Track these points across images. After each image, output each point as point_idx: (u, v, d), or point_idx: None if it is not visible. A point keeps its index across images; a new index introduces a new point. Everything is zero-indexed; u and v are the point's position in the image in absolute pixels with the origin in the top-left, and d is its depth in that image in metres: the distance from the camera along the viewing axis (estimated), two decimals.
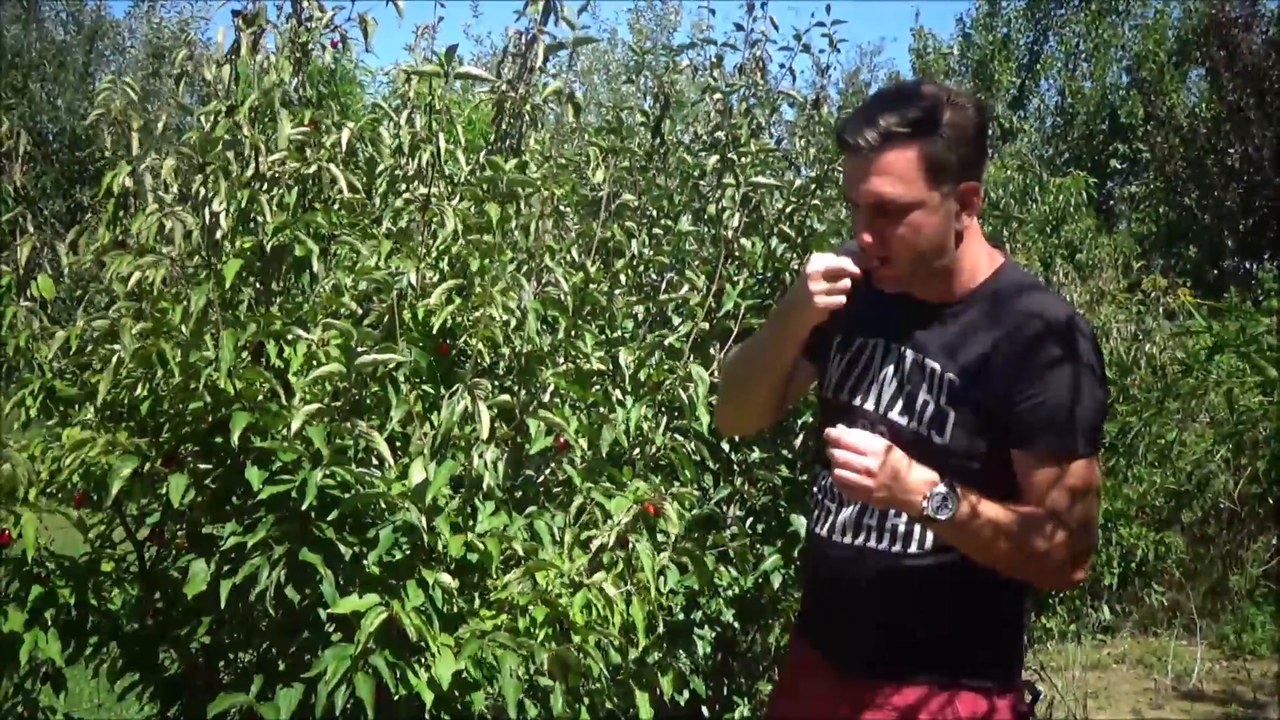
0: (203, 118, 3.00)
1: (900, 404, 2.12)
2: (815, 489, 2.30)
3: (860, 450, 1.94)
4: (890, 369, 2.15)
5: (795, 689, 2.39)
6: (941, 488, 1.93)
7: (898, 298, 2.15)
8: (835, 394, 2.25)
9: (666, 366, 3.38)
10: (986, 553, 2.00)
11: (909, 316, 2.15)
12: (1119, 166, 18.64)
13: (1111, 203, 17.99)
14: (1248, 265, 13.69)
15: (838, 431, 1.97)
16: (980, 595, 2.12)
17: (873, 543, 2.15)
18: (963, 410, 2.05)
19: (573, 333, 3.13)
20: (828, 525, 2.23)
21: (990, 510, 1.96)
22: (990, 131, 2.01)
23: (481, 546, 2.65)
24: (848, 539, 2.18)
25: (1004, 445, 2.03)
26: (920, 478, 1.95)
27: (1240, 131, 13.01)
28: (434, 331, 2.85)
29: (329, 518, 2.57)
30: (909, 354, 2.13)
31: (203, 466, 2.69)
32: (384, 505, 2.57)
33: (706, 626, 3.82)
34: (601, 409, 3.18)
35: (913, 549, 2.12)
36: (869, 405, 2.17)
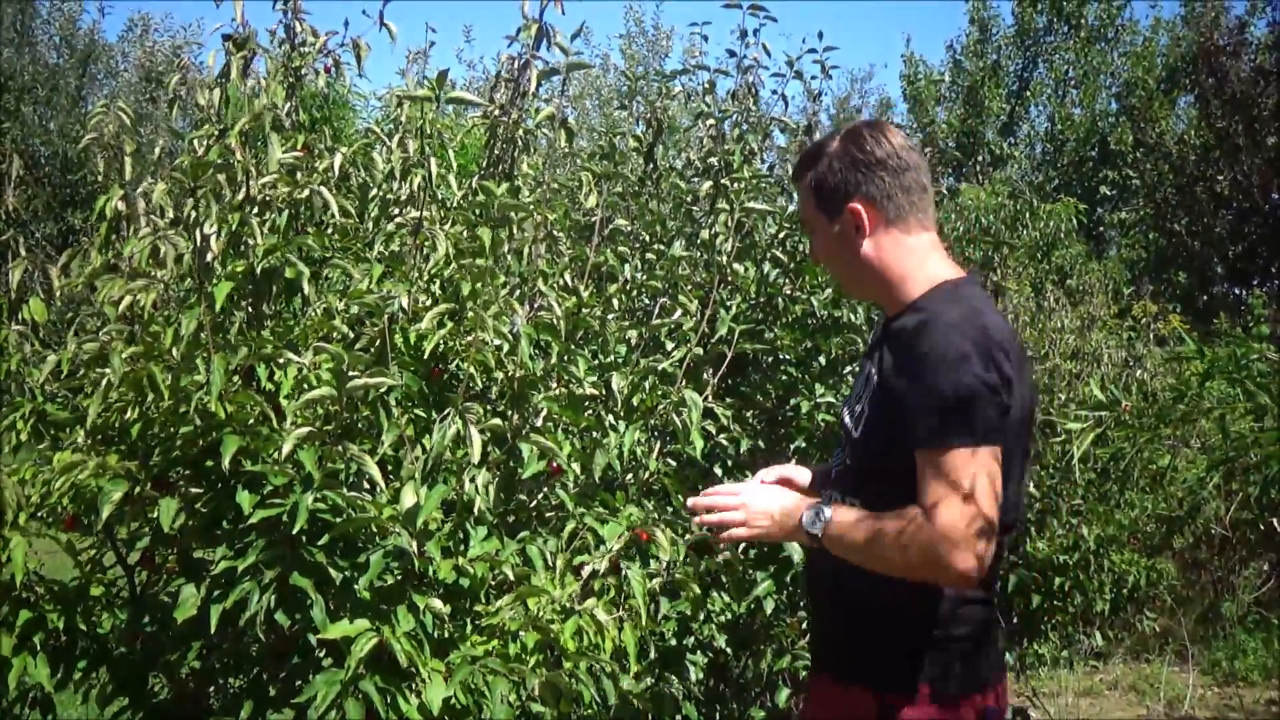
0: (195, 141, 3.00)
1: (853, 408, 2.28)
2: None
3: (722, 503, 2.26)
4: (861, 380, 2.30)
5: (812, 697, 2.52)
6: (813, 507, 2.16)
7: (882, 321, 2.32)
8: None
9: (660, 391, 3.38)
10: (871, 559, 2.10)
11: (878, 334, 2.32)
12: (1109, 193, 18.72)
13: (1101, 229, 18.06)
14: (1237, 291, 13.74)
15: (692, 501, 2.30)
16: (889, 603, 2.16)
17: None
18: (875, 410, 2.18)
19: (565, 357, 3.13)
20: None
21: (858, 519, 2.11)
22: (874, 154, 2.22)
23: (472, 571, 2.64)
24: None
25: (901, 441, 2.09)
26: (793, 501, 2.24)
27: (1229, 158, 13.08)
28: (426, 355, 2.84)
29: (320, 542, 2.56)
30: (869, 365, 2.27)
31: (193, 490, 2.68)
32: (375, 529, 2.56)
33: (699, 652, 3.80)
34: (594, 434, 3.17)
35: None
36: (846, 416, 2.32)
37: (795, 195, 2.39)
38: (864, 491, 2.21)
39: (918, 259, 2.24)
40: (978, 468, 1.97)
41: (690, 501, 2.28)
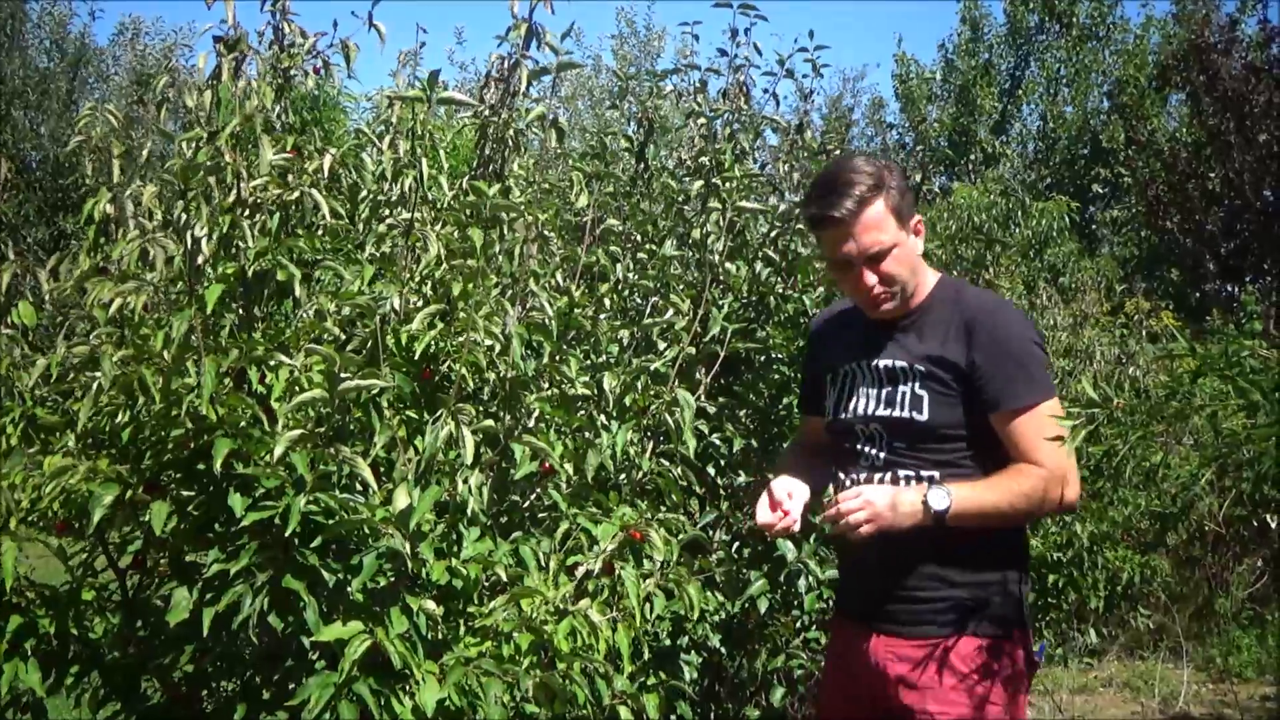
0: (184, 144, 2.99)
1: (883, 402, 2.63)
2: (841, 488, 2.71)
3: (852, 506, 2.49)
4: (869, 379, 2.67)
5: (836, 655, 2.85)
6: (932, 487, 2.47)
7: (861, 328, 2.72)
8: (834, 416, 2.75)
9: (652, 391, 3.37)
10: (1002, 518, 2.52)
11: (872, 337, 2.69)
12: (1100, 191, 18.76)
13: (1094, 227, 18.09)
14: (1229, 288, 13.76)
15: (823, 517, 2.56)
16: (963, 554, 2.56)
17: None
18: (935, 390, 2.56)
19: (557, 357, 3.12)
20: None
21: (978, 488, 2.49)
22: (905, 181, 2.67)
23: (465, 572, 2.63)
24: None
25: (979, 412, 2.53)
26: (911, 492, 2.52)
27: (1220, 155, 13.09)
28: (417, 357, 2.84)
29: (312, 544, 2.55)
30: (881, 363, 2.65)
31: (185, 493, 2.67)
32: (368, 531, 2.56)
33: (693, 652, 3.80)
34: (587, 434, 3.17)
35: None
36: (859, 412, 2.67)
37: (857, 216, 2.56)
38: (928, 463, 2.58)
39: (924, 265, 2.71)
40: (1057, 414, 2.24)
41: (822, 518, 2.58)
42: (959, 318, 2.58)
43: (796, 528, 2.68)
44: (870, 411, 2.64)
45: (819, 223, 2.60)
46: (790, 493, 2.68)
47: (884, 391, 2.62)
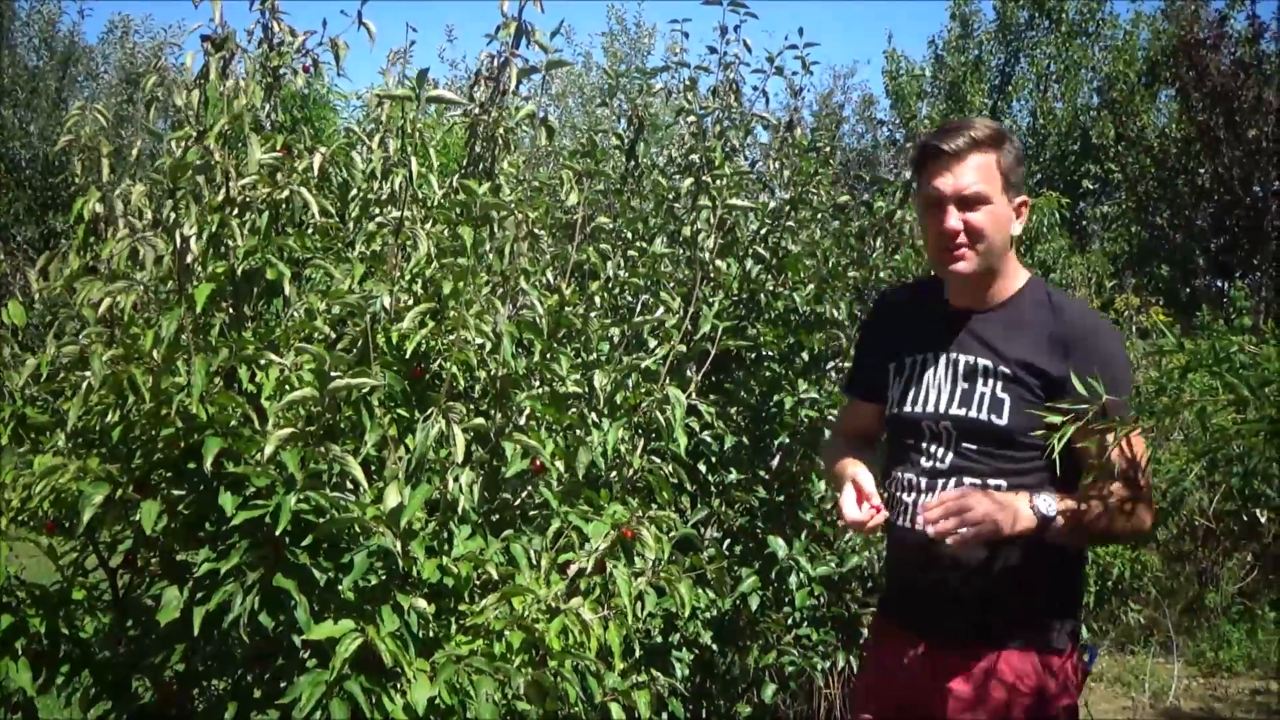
0: (174, 143, 2.99)
1: (958, 400, 2.44)
2: (888, 488, 2.56)
3: (958, 508, 2.25)
4: (942, 373, 2.48)
5: (881, 663, 2.65)
6: (1042, 497, 2.29)
7: (936, 314, 2.53)
8: (898, 409, 2.55)
9: (643, 389, 3.38)
10: (1095, 534, 2.41)
11: (949, 326, 2.50)
12: (1091, 187, 18.74)
13: (1084, 223, 18.09)
14: (1219, 284, 13.78)
15: (924, 516, 2.29)
16: (1019, 564, 2.40)
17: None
18: (1018, 395, 2.38)
19: (548, 355, 3.12)
20: (906, 517, 2.50)
21: (1078, 502, 2.30)
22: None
23: (456, 570, 2.64)
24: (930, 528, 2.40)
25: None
26: (1011, 495, 2.31)
27: (1210, 151, 13.10)
28: (408, 355, 2.84)
29: (303, 543, 2.55)
30: (959, 357, 2.46)
31: (175, 493, 2.67)
32: (358, 530, 2.56)
33: (684, 649, 3.81)
34: (578, 432, 3.17)
35: None
36: (929, 408, 2.48)
37: (965, 156, 2.41)
38: (998, 471, 2.40)
39: (1015, 258, 2.51)
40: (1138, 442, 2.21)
41: (924, 521, 2.30)
42: (1056, 328, 2.40)
43: (883, 521, 2.50)
44: (943, 409, 2.46)
45: (928, 155, 2.43)
46: (866, 489, 2.50)
47: (960, 389, 2.45)
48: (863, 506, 2.44)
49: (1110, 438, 2.19)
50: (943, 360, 2.48)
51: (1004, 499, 2.29)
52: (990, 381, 2.41)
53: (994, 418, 2.40)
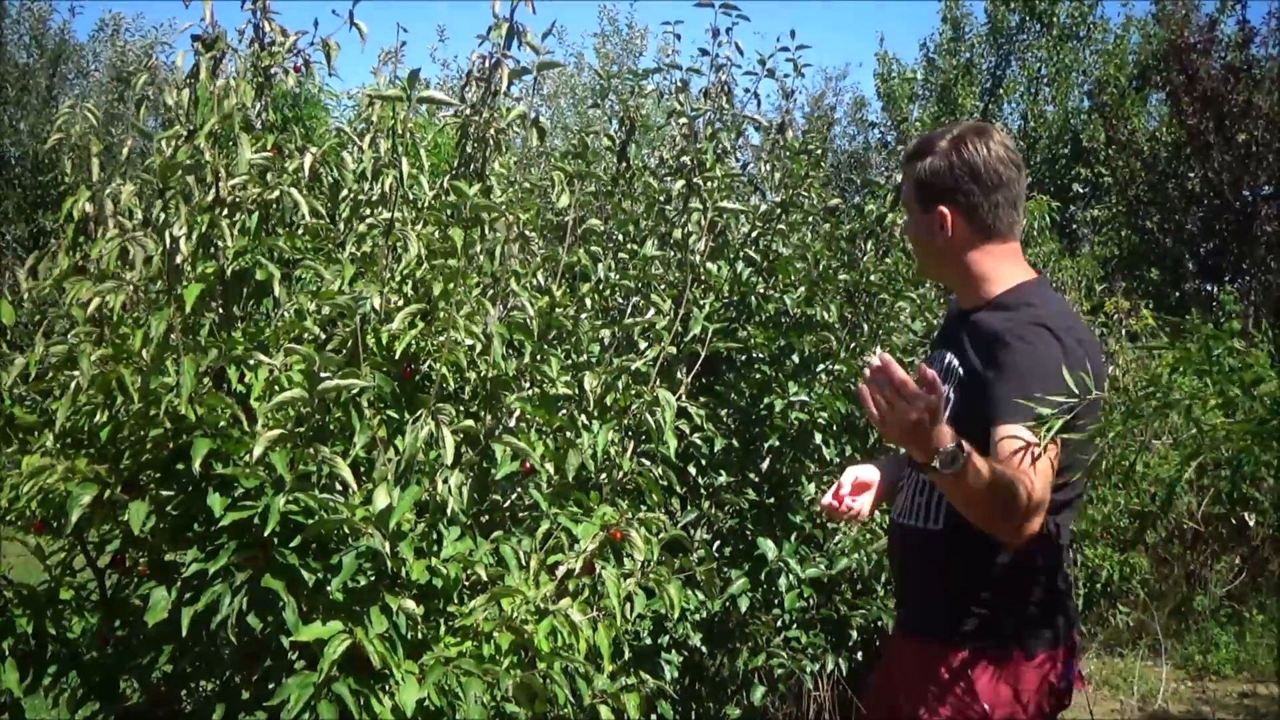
0: (164, 142, 2.98)
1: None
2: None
3: (905, 392, 2.10)
4: (939, 369, 2.49)
5: (884, 657, 2.79)
6: (953, 444, 2.15)
7: (953, 313, 2.65)
8: None
9: (633, 391, 3.37)
10: (971, 505, 2.25)
11: (952, 326, 2.60)
12: (1081, 190, 18.80)
13: (1074, 226, 18.14)
14: (1209, 287, 13.81)
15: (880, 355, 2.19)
16: (985, 563, 2.41)
17: (912, 520, 2.54)
18: (965, 394, 2.41)
19: (538, 357, 3.12)
20: (899, 507, 2.61)
21: (984, 465, 2.18)
22: (971, 164, 2.46)
23: (446, 572, 2.63)
24: (903, 519, 2.58)
25: (982, 422, 2.29)
26: (946, 431, 2.16)
27: (1200, 155, 13.12)
28: (398, 356, 2.83)
29: (292, 544, 2.55)
30: (946, 355, 2.52)
31: (164, 493, 2.66)
32: (347, 531, 2.55)
33: (674, 651, 3.81)
34: (568, 433, 3.17)
35: (932, 525, 2.48)
36: None
37: (904, 170, 2.60)
38: None
39: (993, 261, 2.50)
40: (1039, 444, 2.16)
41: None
42: (996, 329, 2.40)
43: (863, 517, 2.66)
44: None
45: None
46: (859, 481, 2.67)
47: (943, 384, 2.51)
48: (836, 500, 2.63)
49: (1000, 436, 2.24)
50: (940, 356, 2.56)
51: (938, 410, 2.16)
52: (952, 380, 2.46)
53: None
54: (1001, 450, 2.23)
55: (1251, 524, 7.23)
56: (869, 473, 2.71)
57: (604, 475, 3.38)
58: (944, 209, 2.48)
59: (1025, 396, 2.19)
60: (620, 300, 4.10)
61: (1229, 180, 12.99)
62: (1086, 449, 2.31)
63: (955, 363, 2.47)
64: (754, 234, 4.24)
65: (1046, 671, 2.43)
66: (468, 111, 3.51)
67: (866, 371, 2.13)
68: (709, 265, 4.05)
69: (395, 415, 2.85)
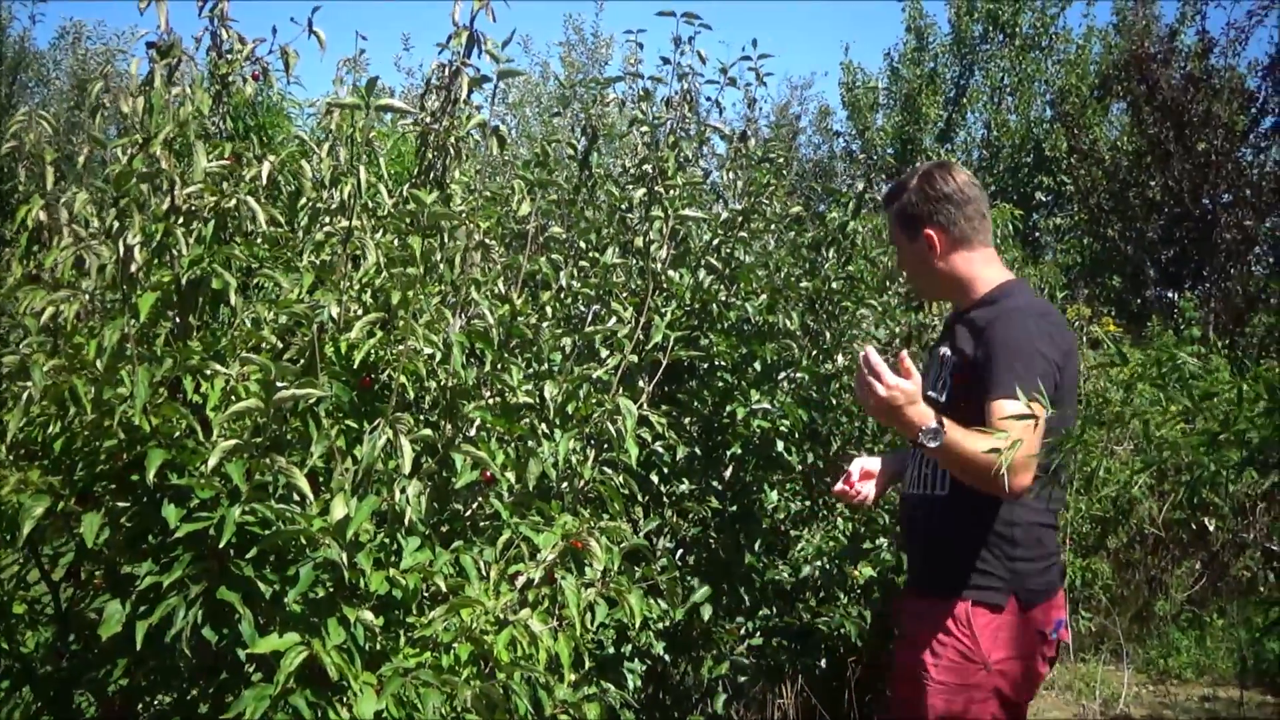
0: (119, 150, 2.96)
1: (930, 382, 2.88)
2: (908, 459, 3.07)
3: (881, 381, 2.58)
4: (935, 361, 2.96)
5: (896, 627, 3.24)
6: (934, 423, 2.58)
7: (951, 314, 3.06)
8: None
9: (594, 399, 3.36)
10: (965, 469, 2.64)
11: (950, 324, 3.01)
12: (1044, 199, 18.91)
13: (1037, 234, 18.24)
14: (1169, 294, 13.91)
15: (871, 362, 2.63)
16: (983, 523, 2.80)
17: (920, 489, 2.95)
18: (959, 379, 2.83)
19: (499, 366, 3.11)
20: (907, 481, 3.04)
21: (963, 434, 2.59)
22: (941, 191, 2.98)
23: (404, 582, 2.61)
24: (912, 490, 3.00)
25: (978, 399, 2.70)
26: (926, 412, 2.60)
27: (1160, 164, 13.22)
28: (356, 365, 2.82)
29: (248, 555, 2.52)
30: (942, 349, 2.94)
31: (118, 505, 2.63)
32: (304, 542, 2.53)
33: (636, 659, 3.80)
34: (529, 442, 3.15)
35: (939, 491, 2.88)
36: (931, 394, 2.88)
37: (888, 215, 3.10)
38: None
39: (977, 266, 2.96)
40: (1018, 412, 2.42)
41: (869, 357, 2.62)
42: (982, 319, 2.84)
43: (868, 501, 3.16)
44: (926, 391, 2.80)
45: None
46: (865, 470, 3.14)
47: (933, 373, 2.92)
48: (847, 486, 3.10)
49: (992, 408, 2.62)
50: (936, 351, 2.97)
51: (912, 394, 2.59)
52: (948, 368, 2.88)
53: (939, 396, 2.86)
54: (994, 418, 2.60)
55: (1211, 529, 7.29)
56: (873, 463, 3.18)
57: (565, 484, 3.36)
58: (929, 231, 2.95)
59: (1008, 368, 2.65)
60: (582, 308, 4.09)
61: (1189, 188, 13.10)
62: (1066, 402, 2.76)
63: (949, 354, 2.88)
64: (716, 242, 4.24)
65: (1040, 622, 2.82)
66: (428, 120, 3.50)
67: (861, 360, 2.60)
68: (671, 273, 4.05)
69: (354, 425, 2.83)
